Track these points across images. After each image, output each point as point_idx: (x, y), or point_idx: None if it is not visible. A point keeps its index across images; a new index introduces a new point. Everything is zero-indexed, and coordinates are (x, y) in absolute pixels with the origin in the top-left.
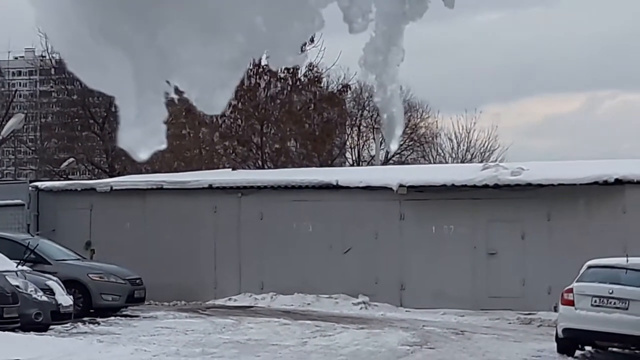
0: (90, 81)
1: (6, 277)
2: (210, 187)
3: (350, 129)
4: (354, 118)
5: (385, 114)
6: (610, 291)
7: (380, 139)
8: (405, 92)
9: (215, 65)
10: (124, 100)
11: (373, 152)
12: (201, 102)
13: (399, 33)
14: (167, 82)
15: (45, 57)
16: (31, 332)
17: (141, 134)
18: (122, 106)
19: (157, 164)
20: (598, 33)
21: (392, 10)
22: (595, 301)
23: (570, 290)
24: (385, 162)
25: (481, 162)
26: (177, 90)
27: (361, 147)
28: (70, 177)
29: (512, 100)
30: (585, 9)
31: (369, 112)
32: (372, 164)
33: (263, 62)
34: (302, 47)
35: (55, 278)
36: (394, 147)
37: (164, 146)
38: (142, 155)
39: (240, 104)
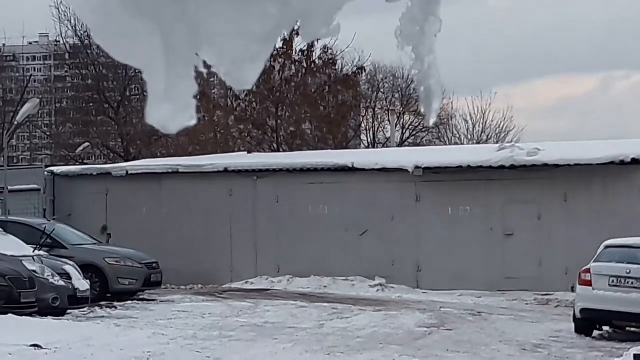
0: (117, 53)
1: (23, 262)
2: (226, 170)
3: (365, 111)
4: (369, 100)
5: (423, 87)
6: (628, 271)
7: (395, 121)
8: None
9: (245, 38)
10: (153, 74)
11: (388, 134)
12: (230, 77)
13: (437, 2)
14: (197, 54)
15: (59, 42)
16: (49, 317)
17: (171, 109)
18: (150, 80)
19: (172, 147)
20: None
21: None
22: (613, 281)
23: (588, 271)
24: (401, 144)
25: (497, 143)
26: (205, 64)
27: (376, 129)
28: (85, 161)
29: (525, 82)
30: None
31: (383, 94)
32: (387, 146)
33: (278, 45)
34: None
35: (72, 262)
36: (432, 120)
37: (194, 121)
38: (172, 130)
39: (255, 87)
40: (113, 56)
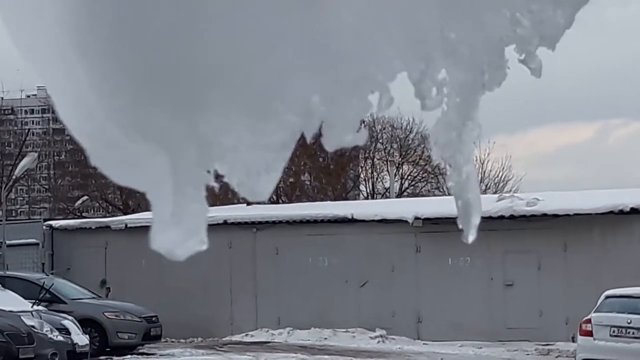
0: (119, 178)
1: (21, 317)
2: (225, 222)
3: (364, 161)
4: (368, 151)
5: (460, 201)
6: (629, 321)
7: (394, 171)
8: (418, 124)
9: (261, 149)
10: (159, 197)
11: (387, 184)
12: (244, 188)
13: (475, 105)
14: (208, 172)
15: None
16: None
17: (178, 234)
18: (155, 203)
19: None
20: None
21: (467, 80)
22: (614, 331)
23: (589, 321)
24: (400, 194)
25: (496, 192)
26: (216, 176)
27: (375, 179)
28: (84, 215)
29: (521, 131)
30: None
31: (382, 144)
32: (386, 197)
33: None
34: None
35: (70, 317)
36: (471, 238)
37: (205, 247)
38: (180, 256)
39: None
40: (114, 181)
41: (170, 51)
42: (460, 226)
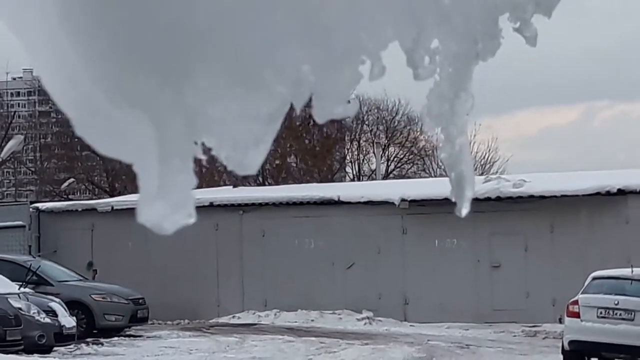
0: (104, 149)
1: (8, 299)
2: (212, 205)
3: (350, 143)
4: (354, 133)
5: (453, 172)
6: (616, 302)
7: (380, 153)
8: (404, 106)
9: (250, 120)
10: (145, 169)
11: (373, 167)
12: (232, 161)
13: (468, 76)
14: (195, 143)
15: None
16: (35, 355)
17: (165, 208)
18: (142, 176)
19: None
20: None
21: (460, 50)
22: (601, 313)
23: (576, 302)
24: (386, 176)
25: (482, 174)
26: (204, 148)
27: (361, 161)
28: (70, 197)
29: (506, 113)
30: (580, 20)
31: (368, 126)
32: (373, 178)
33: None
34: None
35: (57, 299)
36: (465, 211)
37: (192, 220)
38: (167, 230)
39: None
40: (99, 151)
41: (157, 17)
42: (453, 199)
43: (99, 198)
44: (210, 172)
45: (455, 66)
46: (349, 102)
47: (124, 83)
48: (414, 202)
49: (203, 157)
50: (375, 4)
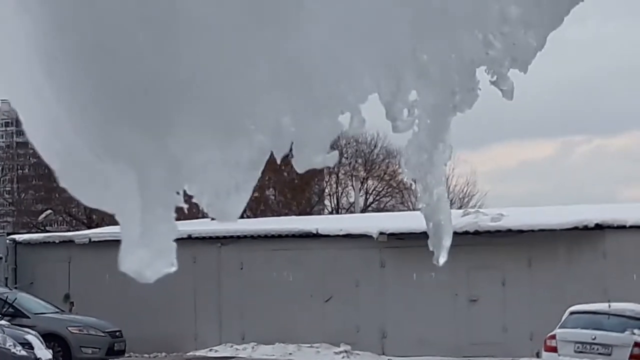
0: (87, 200)
1: None
2: (190, 237)
3: (328, 176)
4: (332, 166)
5: (431, 222)
6: (593, 337)
7: (359, 186)
8: (383, 139)
9: (231, 168)
10: (127, 217)
11: (352, 199)
12: (214, 209)
13: (446, 128)
14: (177, 193)
15: None
16: None
17: (147, 256)
18: (124, 224)
19: None
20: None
21: (438, 102)
22: (579, 347)
23: (553, 337)
24: (365, 209)
25: (460, 208)
26: (185, 196)
27: (340, 194)
28: (48, 229)
29: (484, 146)
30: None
31: (347, 159)
32: (351, 212)
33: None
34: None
35: (34, 332)
36: (442, 260)
37: (174, 269)
38: (149, 278)
39: None
40: (83, 202)
41: (139, 69)
42: (431, 248)
43: (77, 230)
44: (188, 204)
45: (433, 118)
46: (328, 152)
47: (107, 134)
48: (392, 236)
49: (185, 206)
50: (355, 56)
